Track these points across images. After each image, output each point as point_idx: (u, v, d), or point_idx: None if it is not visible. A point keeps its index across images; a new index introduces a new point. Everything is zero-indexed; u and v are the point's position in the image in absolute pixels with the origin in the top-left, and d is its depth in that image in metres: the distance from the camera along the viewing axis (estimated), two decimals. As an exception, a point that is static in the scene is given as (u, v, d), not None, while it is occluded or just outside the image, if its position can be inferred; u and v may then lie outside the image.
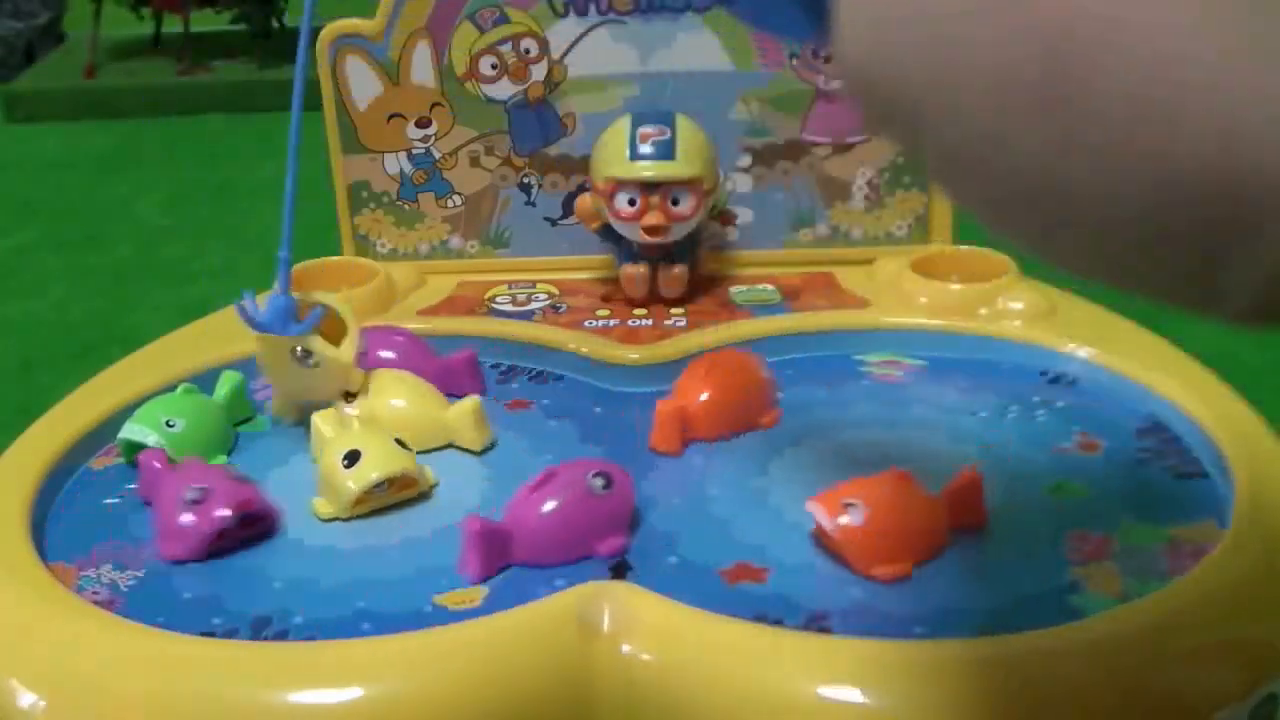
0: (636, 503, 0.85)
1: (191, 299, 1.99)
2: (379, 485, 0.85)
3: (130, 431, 0.92)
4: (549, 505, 0.80)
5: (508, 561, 0.79)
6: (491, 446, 0.94)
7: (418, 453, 0.89)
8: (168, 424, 0.92)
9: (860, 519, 0.77)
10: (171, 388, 0.98)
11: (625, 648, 0.70)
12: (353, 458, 0.86)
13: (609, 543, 0.80)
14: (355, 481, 0.85)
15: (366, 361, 0.97)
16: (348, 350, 0.93)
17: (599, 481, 0.80)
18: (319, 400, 0.94)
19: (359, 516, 0.86)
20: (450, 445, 0.94)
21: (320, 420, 0.91)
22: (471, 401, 0.94)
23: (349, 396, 0.95)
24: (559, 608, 0.72)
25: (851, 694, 0.67)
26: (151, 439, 0.91)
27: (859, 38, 0.38)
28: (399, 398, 0.95)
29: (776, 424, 0.95)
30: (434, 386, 0.97)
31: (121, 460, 0.93)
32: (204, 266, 2.17)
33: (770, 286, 1.14)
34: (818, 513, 0.78)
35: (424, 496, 0.88)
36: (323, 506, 0.86)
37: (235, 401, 0.99)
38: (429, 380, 0.97)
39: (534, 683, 0.69)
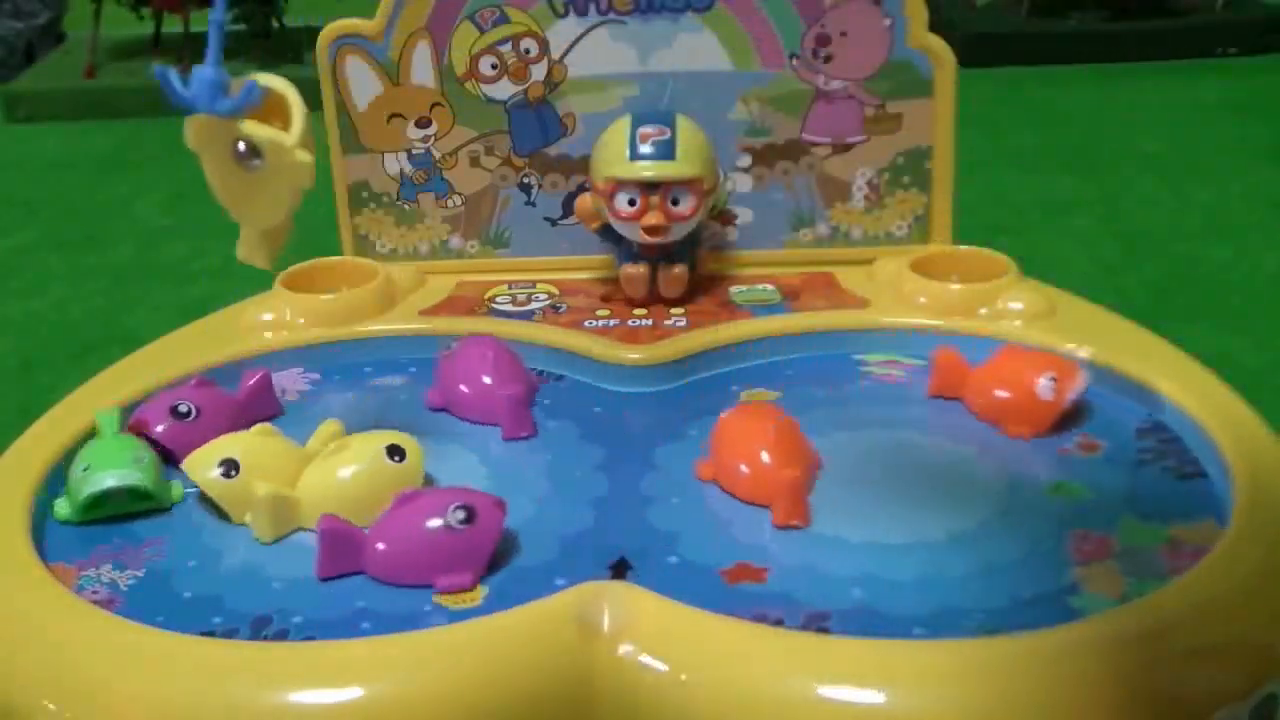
0: (636, 500, 0.85)
1: (191, 299, 1.99)
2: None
3: (110, 480, 0.87)
4: (401, 528, 0.80)
5: (357, 569, 0.79)
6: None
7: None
8: (136, 460, 0.89)
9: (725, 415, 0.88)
10: (178, 385, 0.99)
11: (625, 648, 0.70)
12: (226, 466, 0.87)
13: (450, 579, 0.78)
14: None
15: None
16: (296, 132, 0.83)
17: (459, 515, 0.78)
18: (276, 217, 0.87)
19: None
20: (449, 441, 0.94)
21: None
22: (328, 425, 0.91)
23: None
24: (559, 608, 0.72)
25: (851, 694, 0.66)
26: (133, 479, 0.87)
27: None
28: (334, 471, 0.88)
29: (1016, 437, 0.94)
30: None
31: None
32: (203, 266, 2.17)
33: (770, 286, 1.14)
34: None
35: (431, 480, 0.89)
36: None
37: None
38: (231, 416, 0.95)
39: (533, 682, 0.69)
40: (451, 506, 0.79)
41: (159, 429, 0.93)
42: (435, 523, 0.78)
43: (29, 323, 1.97)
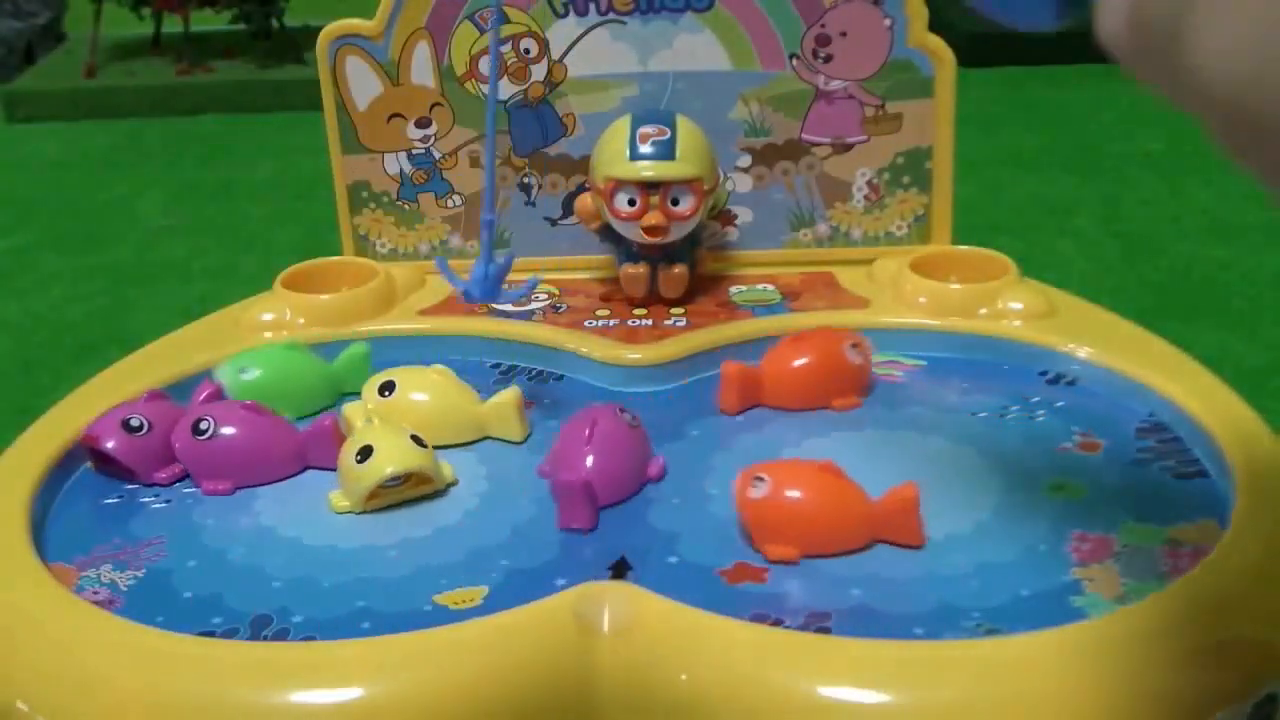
0: (636, 500, 0.86)
1: (191, 299, 1.99)
2: (393, 480, 0.86)
3: (218, 372, 0.98)
4: (612, 448, 0.86)
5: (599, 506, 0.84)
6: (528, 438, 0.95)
7: (448, 447, 0.93)
8: (241, 371, 0.98)
9: (763, 493, 0.79)
10: (178, 385, 1.00)
11: (625, 648, 0.70)
12: (365, 453, 0.86)
13: (655, 465, 0.89)
14: (365, 478, 0.85)
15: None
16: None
17: (628, 416, 0.88)
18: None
19: (370, 511, 0.86)
20: (461, 445, 0.95)
21: (350, 411, 0.93)
22: (512, 393, 0.95)
23: (385, 390, 0.95)
24: (559, 608, 0.72)
25: (851, 694, 0.66)
26: (225, 381, 0.97)
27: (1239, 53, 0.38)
28: (423, 392, 0.95)
29: (849, 409, 0.97)
30: (458, 380, 0.97)
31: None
32: (203, 266, 2.17)
33: (770, 286, 1.14)
34: (736, 484, 0.81)
35: (440, 494, 0.88)
36: (338, 500, 0.87)
37: (350, 370, 1.01)
38: (288, 455, 0.93)
39: (534, 683, 0.69)
40: (616, 412, 0.89)
41: (109, 445, 0.91)
42: (625, 430, 0.88)
43: (28, 323, 1.97)
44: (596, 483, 0.84)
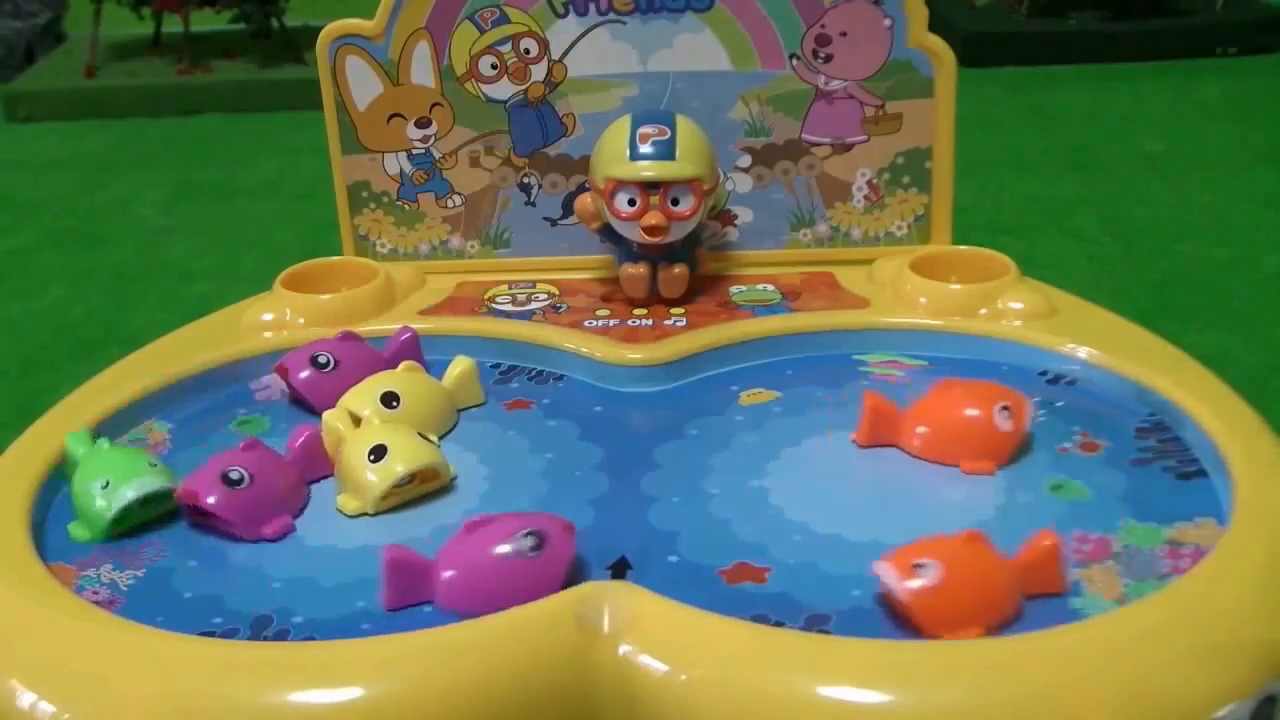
0: (636, 500, 0.85)
1: (191, 298, 1.99)
2: (404, 479, 0.86)
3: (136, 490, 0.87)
4: (470, 557, 0.77)
5: (425, 599, 0.77)
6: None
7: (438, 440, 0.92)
8: (388, 405, 0.94)
9: (933, 581, 0.72)
10: (181, 387, 1.02)
11: (625, 648, 0.70)
12: (378, 453, 0.86)
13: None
14: (381, 476, 0.85)
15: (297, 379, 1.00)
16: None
17: (528, 541, 0.76)
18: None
19: (382, 513, 0.86)
20: (449, 441, 0.95)
21: (331, 418, 0.92)
22: (464, 362, 0.98)
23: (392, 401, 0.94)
24: (559, 608, 0.72)
25: (851, 695, 0.66)
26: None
27: None
28: (414, 395, 0.96)
29: (978, 473, 0.89)
30: (423, 371, 0.99)
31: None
32: (203, 266, 2.17)
33: (770, 286, 1.14)
34: (887, 575, 0.73)
35: (445, 489, 0.89)
36: (348, 502, 0.87)
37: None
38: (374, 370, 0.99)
39: (534, 682, 0.69)
40: (520, 533, 0.76)
41: (301, 376, 0.99)
42: (505, 549, 0.76)
43: (28, 323, 1.97)
44: (436, 578, 0.77)
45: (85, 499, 0.86)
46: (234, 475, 0.85)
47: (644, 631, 0.71)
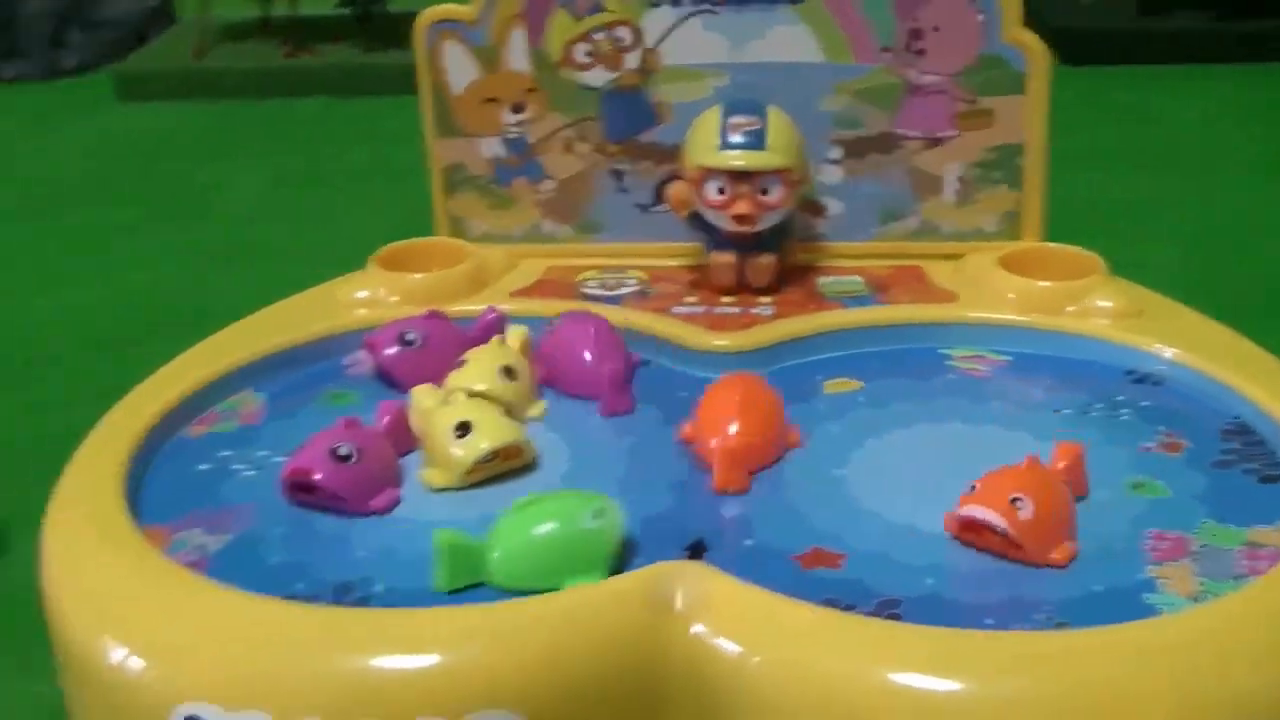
0: (714, 491, 0.86)
1: (284, 280, 2.00)
2: (488, 455, 0.88)
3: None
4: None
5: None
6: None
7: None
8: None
9: (1031, 512, 0.78)
10: (276, 360, 1.04)
11: (697, 628, 0.71)
12: (464, 428, 0.88)
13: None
14: (466, 450, 0.87)
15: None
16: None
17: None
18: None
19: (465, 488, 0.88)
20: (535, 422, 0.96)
21: (420, 394, 0.93)
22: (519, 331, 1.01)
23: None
24: (632, 585, 0.73)
25: (918, 681, 0.67)
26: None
27: None
28: (524, 368, 0.98)
29: (802, 443, 0.93)
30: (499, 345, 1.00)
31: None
32: (297, 248, 2.20)
33: (858, 278, 1.14)
34: (990, 516, 0.78)
35: (528, 467, 0.90)
36: (434, 477, 0.88)
37: None
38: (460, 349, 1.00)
39: (604, 658, 0.70)
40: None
41: (388, 352, 1.01)
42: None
43: (125, 298, 2.01)
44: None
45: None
46: (343, 451, 0.86)
47: (716, 612, 0.72)
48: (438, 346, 1.01)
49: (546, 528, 0.78)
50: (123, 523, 0.82)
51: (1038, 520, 0.78)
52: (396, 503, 0.87)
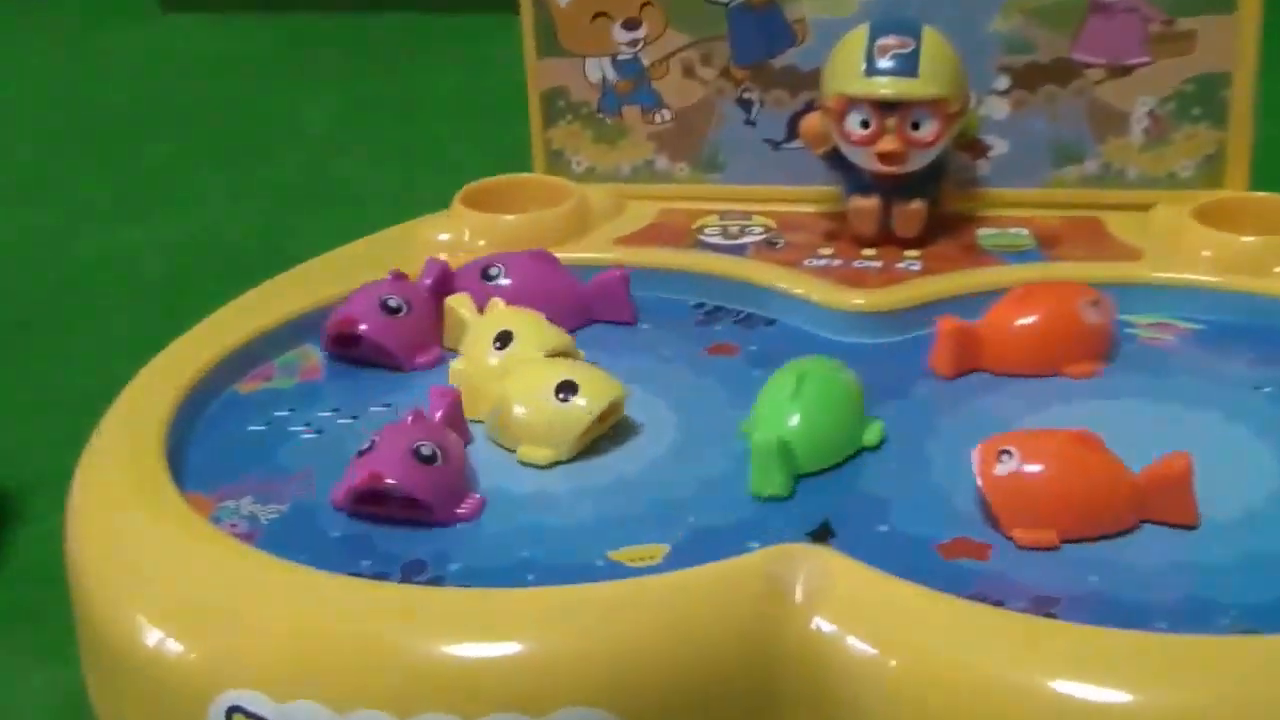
0: (846, 463, 0.88)
1: (361, 224, 2.03)
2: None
3: None
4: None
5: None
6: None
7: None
8: None
9: (1011, 470, 0.81)
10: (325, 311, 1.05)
11: (819, 620, 0.73)
12: (568, 389, 0.90)
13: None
14: (589, 409, 0.90)
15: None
16: None
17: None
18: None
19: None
20: (639, 386, 0.98)
21: (457, 304, 0.98)
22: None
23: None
24: (747, 569, 0.75)
25: (1075, 689, 0.68)
26: None
27: None
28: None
29: (1088, 377, 0.98)
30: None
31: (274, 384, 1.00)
32: (376, 188, 2.21)
33: (1024, 231, 1.15)
34: (975, 459, 0.83)
35: (630, 436, 0.93)
36: (536, 452, 0.90)
37: None
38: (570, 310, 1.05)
39: (711, 650, 0.72)
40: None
41: (363, 328, 1.01)
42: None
43: (180, 242, 2.04)
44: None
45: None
46: (425, 451, 0.86)
47: (841, 603, 0.73)
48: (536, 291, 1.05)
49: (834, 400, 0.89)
50: (163, 487, 0.86)
51: (1015, 484, 0.81)
52: (482, 507, 0.87)
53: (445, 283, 1.04)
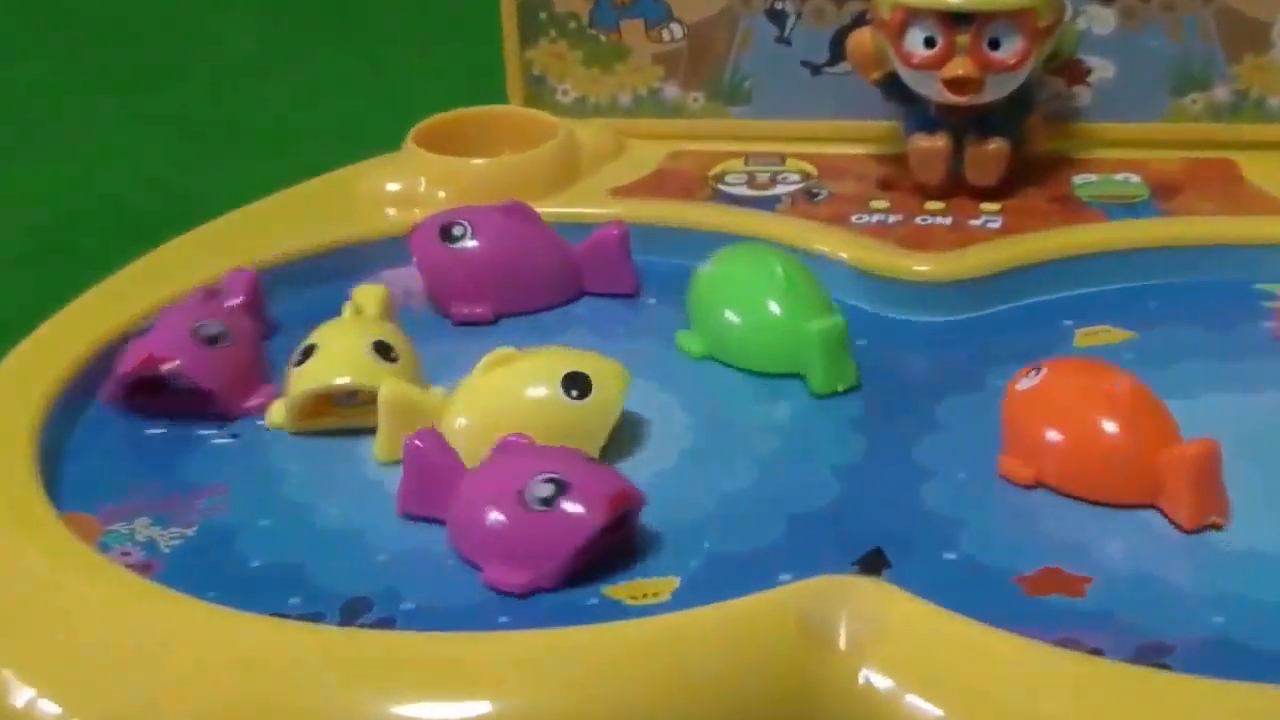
0: (905, 473, 0.89)
1: (292, 169, 2.03)
2: (341, 398, 0.92)
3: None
4: (472, 497, 0.84)
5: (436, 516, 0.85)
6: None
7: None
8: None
9: (1030, 386, 0.86)
10: (270, 279, 1.06)
11: (867, 672, 0.73)
12: (306, 353, 0.93)
13: (499, 571, 0.81)
14: (302, 384, 0.92)
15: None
16: None
17: (544, 490, 0.81)
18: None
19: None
20: (642, 380, 0.98)
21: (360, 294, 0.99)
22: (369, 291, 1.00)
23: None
24: (777, 608, 0.75)
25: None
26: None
27: None
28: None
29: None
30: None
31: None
32: (311, 123, 2.21)
33: (1135, 177, 1.15)
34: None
35: (638, 443, 0.93)
36: (275, 413, 0.94)
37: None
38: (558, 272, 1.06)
39: (732, 711, 0.72)
40: (539, 476, 0.81)
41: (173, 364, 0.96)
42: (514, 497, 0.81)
43: (56, 190, 2.04)
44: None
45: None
46: (210, 331, 0.93)
47: (897, 650, 0.73)
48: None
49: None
50: (36, 506, 0.86)
51: (1022, 403, 0.86)
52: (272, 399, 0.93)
53: (258, 300, 1.01)
